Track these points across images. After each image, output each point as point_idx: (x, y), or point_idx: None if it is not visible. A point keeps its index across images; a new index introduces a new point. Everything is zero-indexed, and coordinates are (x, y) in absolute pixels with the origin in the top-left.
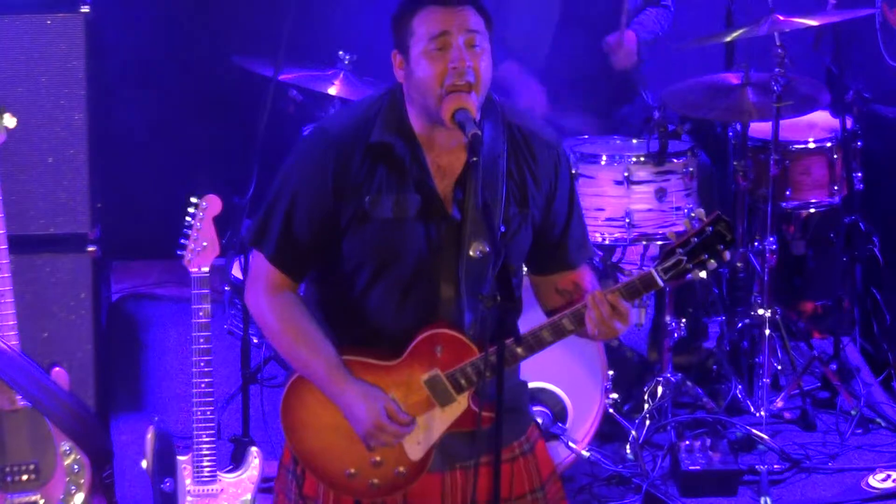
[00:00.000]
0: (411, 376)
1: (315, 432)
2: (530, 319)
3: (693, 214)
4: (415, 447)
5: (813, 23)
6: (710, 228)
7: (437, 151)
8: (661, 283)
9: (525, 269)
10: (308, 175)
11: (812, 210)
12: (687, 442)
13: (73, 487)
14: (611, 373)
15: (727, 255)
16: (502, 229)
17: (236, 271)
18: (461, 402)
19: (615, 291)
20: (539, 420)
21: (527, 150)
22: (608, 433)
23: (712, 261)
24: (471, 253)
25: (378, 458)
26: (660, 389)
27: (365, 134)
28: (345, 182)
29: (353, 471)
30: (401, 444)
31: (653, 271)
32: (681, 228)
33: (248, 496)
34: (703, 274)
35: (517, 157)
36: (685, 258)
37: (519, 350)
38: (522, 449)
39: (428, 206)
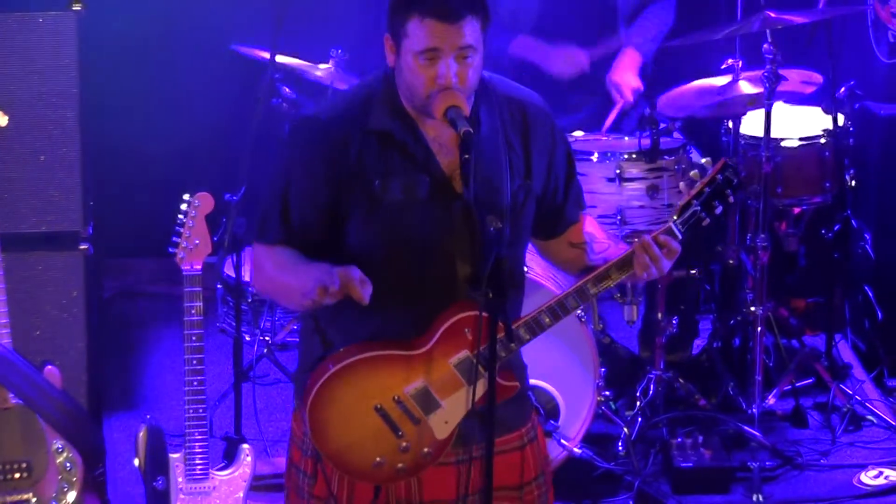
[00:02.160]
0: (440, 361)
1: (343, 430)
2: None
3: (703, 162)
4: (442, 426)
5: (804, 19)
6: (721, 176)
7: (435, 130)
8: (680, 236)
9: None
10: (299, 163)
11: (804, 207)
12: (679, 439)
13: (65, 485)
14: (602, 370)
15: (731, 199)
16: (509, 201)
17: (229, 269)
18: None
19: (658, 233)
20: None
21: (522, 120)
22: (600, 430)
23: (720, 206)
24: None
25: (405, 444)
26: (652, 386)
27: (360, 119)
28: (340, 168)
29: (379, 460)
30: (428, 424)
31: (672, 226)
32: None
33: (240, 494)
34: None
35: (515, 130)
36: (699, 208)
37: (572, 300)
38: (529, 436)
39: (437, 186)
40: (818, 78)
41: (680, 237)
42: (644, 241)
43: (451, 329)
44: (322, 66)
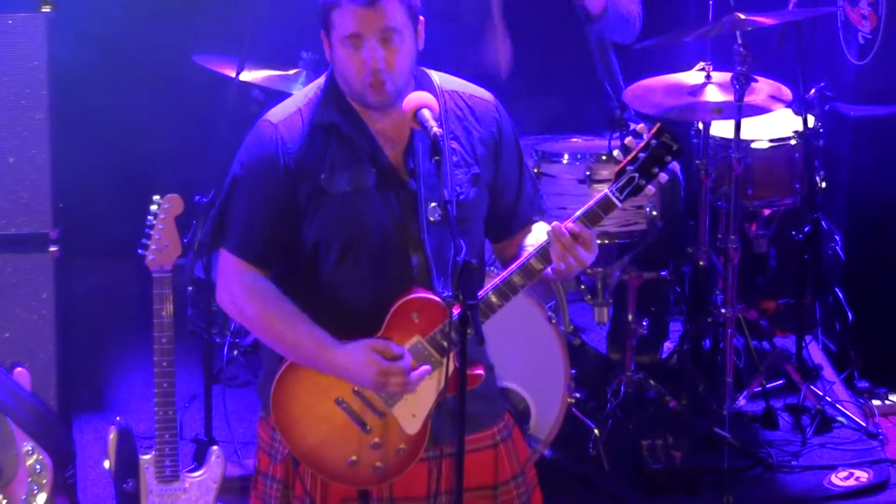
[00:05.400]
0: None
1: (310, 427)
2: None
3: (637, 128)
4: (410, 420)
5: (774, 21)
6: (655, 141)
7: (381, 122)
8: (618, 203)
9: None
10: (259, 162)
11: (774, 208)
12: (649, 441)
13: (35, 488)
14: (573, 371)
15: (671, 164)
16: (456, 191)
17: (199, 271)
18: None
19: (576, 220)
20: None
21: (468, 111)
22: (571, 432)
23: (662, 174)
24: (430, 218)
25: (377, 440)
26: (622, 388)
27: (308, 114)
28: (296, 162)
29: (354, 458)
30: (394, 416)
31: (608, 193)
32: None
33: (211, 496)
34: (651, 188)
35: (458, 120)
36: (637, 175)
37: (493, 299)
38: (502, 435)
39: (383, 177)
40: (787, 94)
41: (619, 205)
42: (555, 228)
43: (397, 314)
44: (295, 84)
